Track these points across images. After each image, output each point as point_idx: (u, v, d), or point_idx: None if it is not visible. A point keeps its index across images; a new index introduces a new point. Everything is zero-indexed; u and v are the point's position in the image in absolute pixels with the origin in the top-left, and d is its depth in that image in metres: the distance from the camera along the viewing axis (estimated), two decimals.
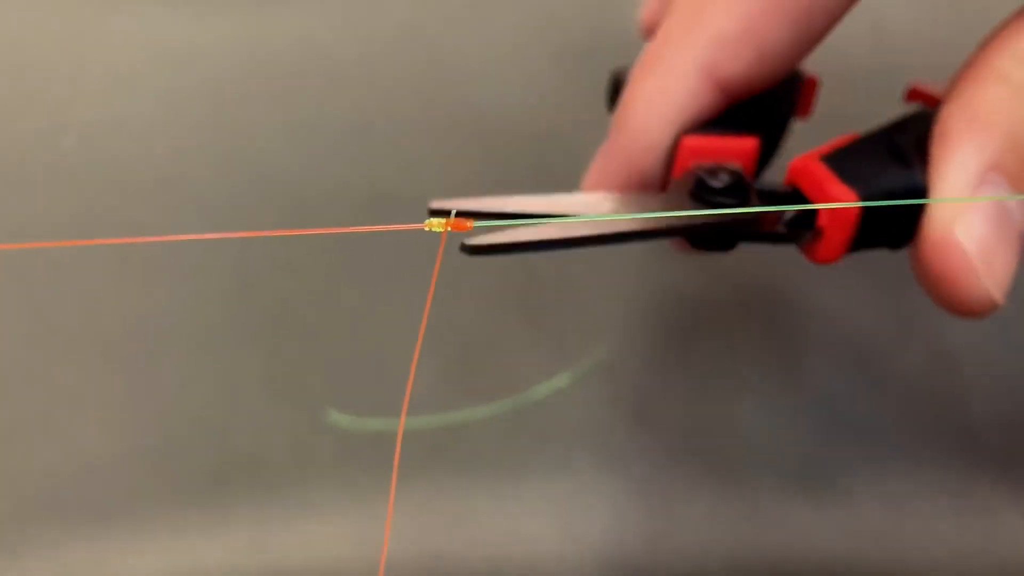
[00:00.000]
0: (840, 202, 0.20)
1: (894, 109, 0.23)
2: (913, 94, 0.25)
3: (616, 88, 0.26)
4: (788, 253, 0.23)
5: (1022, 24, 0.20)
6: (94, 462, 0.33)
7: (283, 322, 0.35)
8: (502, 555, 0.32)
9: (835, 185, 0.20)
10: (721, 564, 0.32)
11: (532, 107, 0.36)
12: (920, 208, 0.19)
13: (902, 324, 0.34)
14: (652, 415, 0.34)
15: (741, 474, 0.34)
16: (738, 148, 0.22)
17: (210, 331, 0.35)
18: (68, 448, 0.33)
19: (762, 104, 0.24)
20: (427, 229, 0.15)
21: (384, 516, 0.31)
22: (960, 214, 0.19)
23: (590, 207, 0.21)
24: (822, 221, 0.20)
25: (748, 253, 0.24)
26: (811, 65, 0.25)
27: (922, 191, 0.19)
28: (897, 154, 0.21)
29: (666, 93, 0.23)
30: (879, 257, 0.23)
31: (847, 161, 0.21)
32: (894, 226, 0.20)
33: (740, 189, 0.21)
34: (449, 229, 0.15)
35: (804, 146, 0.23)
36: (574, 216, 0.20)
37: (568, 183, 0.36)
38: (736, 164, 0.22)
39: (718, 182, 0.21)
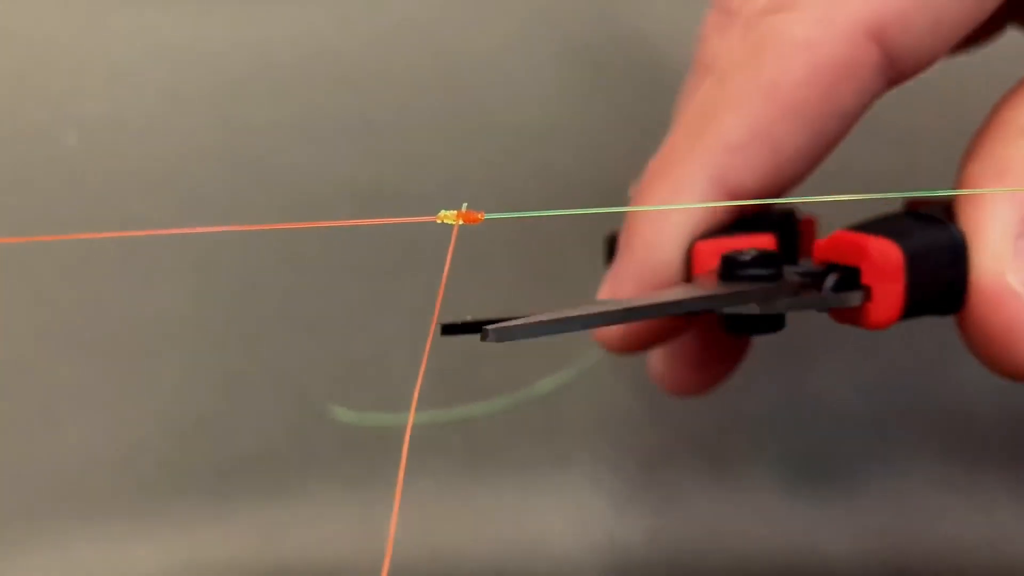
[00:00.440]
0: (883, 253, 0.18)
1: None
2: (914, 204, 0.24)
3: (612, 247, 0.24)
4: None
5: None
6: (97, 458, 0.33)
7: (287, 318, 0.35)
8: (505, 550, 0.32)
9: (874, 239, 0.19)
10: (723, 559, 0.32)
11: (537, 104, 0.36)
12: (966, 263, 0.19)
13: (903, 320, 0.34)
14: (654, 411, 0.34)
15: (743, 470, 0.34)
16: (756, 244, 0.21)
17: (214, 327, 0.35)
18: (72, 444, 0.33)
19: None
20: (439, 221, 0.15)
21: (387, 511, 0.31)
22: (1008, 262, 0.18)
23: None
24: (868, 278, 0.19)
25: None
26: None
27: (961, 246, 0.19)
28: (924, 217, 0.20)
29: (676, 209, 0.21)
30: None
31: (876, 227, 0.20)
32: (943, 281, 0.19)
33: (771, 260, 0.19)
34: (461, 222, 0.15)
35: None
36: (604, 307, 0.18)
37: (572, 181, 0.36)
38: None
39: (746, 255, 0.19)
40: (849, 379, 0.34)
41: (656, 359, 0.26)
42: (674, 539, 0.32)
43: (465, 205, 0.16)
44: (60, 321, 0.34)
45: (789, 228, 0.24)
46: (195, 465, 0.33)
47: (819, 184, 0.23)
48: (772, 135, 0.21)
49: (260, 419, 0.33)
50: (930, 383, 0.34)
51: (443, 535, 0.32)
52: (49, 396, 0.34)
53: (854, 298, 0.19)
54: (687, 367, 0.25)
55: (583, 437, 0.33)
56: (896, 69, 0.20)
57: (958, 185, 0.20)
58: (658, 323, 0.23)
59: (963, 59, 0.26)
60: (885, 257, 0.19)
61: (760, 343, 0.28)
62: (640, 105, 0.36)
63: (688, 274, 0.22)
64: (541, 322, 0.16)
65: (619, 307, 0.17)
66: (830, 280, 0.19)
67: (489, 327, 0.15)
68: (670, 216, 0.22)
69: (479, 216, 0.16)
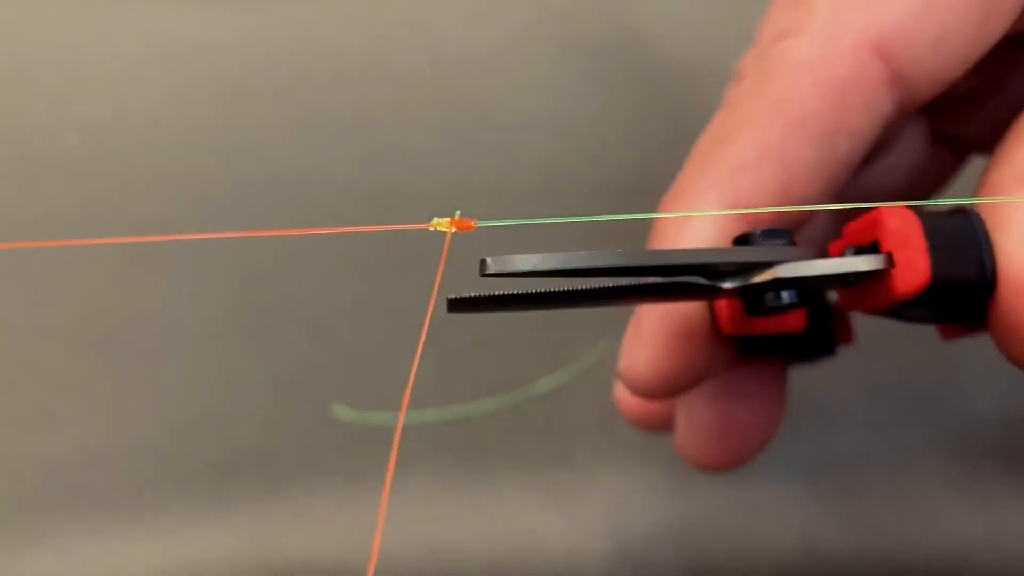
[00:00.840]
0: (898, 216, 0.18)
1: None
2: None
3: None
4: None
5: None
6: (98, 456, 0.33)
7: (287, 316, 0.35)
8: (505, 549, 0.32)
9: (887, 208, 0.18)
10: (723, 558, 0.32)
11: (539, 102, 0.36)
12: (991, 255, 0.18)
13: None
14: None
15: (743, 469, 0.34)
16: (787, 323, 0.21)
17: (214, 325, 0.35)
18: (72, 442, 0.33)
19: (802, 341, 0.23)
20: (431, 229, 0.15)
21: (388, 510, 0.31)
22: None
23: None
24: (888, 245, 0.18)
25: None
26: None
27: (980, 221, 0.19)
28: (942, 213, 0.19)
29: (690, 232, 0.21)
30: None
31: None
32: (967, 255, 0.18)
33: (781, 233, 0.19)
34: (454, 229, 0.15)
35: None
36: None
37: (572, 179, 0.36)
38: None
39: (756, 230, 0.19)
40: (849, 379, 0.34)
41: (683, 429, 0.25)
42: (674, 539, 0.32)
43: (459, 212, 0.16)
44: (60, 320, 0.35)
45: (827, 319, 0.24)
46: (194, 464, 0.33)
47: None
48: (782, 152, 0.20)
49: (259, 418, 0.34)
50: (931, 383, 0.34)
51: (443, 534, 0.32)
52: (49, 394, 0.34)
53: (877, 261, 0.18)
54: (715, 439, 0.25)
55: (583, 437, 0.33)
56: (906, 86, 0.20)
57: (979, 194, 0.19)
58: (687, 354, 0.22)
59: None
60: (902, 219, 0.18)
61: None
62: (641, 105, 0.36)
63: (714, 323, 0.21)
64: (543, 257, 0.16)
65: (627, 253, 0.17)
66: (850, 251, 0.19)
67: (488, 257, 0.15)
68: (684, 240, 0.21)
69: (472, 224, 0.15)
